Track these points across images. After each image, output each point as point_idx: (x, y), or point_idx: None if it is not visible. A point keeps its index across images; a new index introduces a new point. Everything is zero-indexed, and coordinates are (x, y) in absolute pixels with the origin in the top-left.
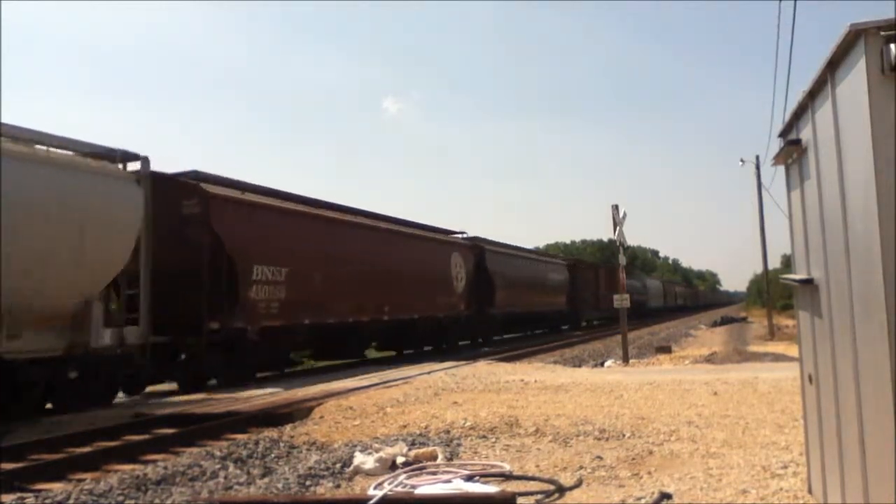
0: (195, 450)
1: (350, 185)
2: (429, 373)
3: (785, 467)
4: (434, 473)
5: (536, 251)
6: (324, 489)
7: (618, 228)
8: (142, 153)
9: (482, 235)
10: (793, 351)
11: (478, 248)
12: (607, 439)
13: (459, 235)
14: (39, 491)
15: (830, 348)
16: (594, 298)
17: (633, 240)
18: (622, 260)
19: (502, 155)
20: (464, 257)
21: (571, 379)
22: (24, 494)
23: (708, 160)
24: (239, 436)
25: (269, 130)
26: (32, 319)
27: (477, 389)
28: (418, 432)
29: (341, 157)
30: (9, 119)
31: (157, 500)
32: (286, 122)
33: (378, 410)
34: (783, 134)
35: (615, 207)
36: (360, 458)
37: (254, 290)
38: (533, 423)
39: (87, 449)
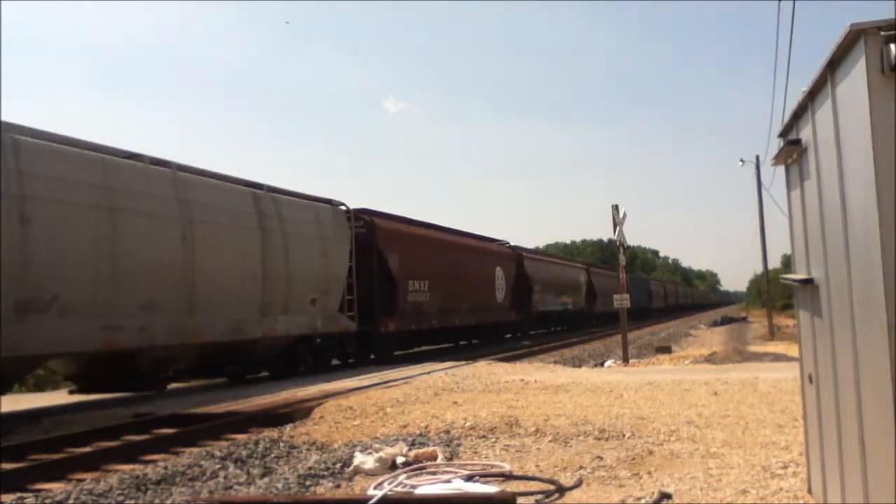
0: (195, 450)
1: (350, 186)
2: (429, 373)
3: (785, 467)
4: (434, 473)
5: None
6: (324, 489)
7: (618, 228)
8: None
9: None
10: (793, 351)
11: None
12: (607, 439)
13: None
14: (39, 491)
15: (830, 348)
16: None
17: (633, 240)
18: (622, 260)
19: (502, 154)
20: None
21: (571, 379)
22: (24, 494)
23: (708, 160)
24: (239, 436)
25: (269, 130)
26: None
27: (477, 389)
28: (418, 432)
29: (342, 158)
30: (8, 118)
31: (157, 500)
32: (286, 123)
33: (378, 410)
34: (783, 134)
35: (615, 207)
36: (360, 458)
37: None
38: (533, 423)
39: (87, 449)
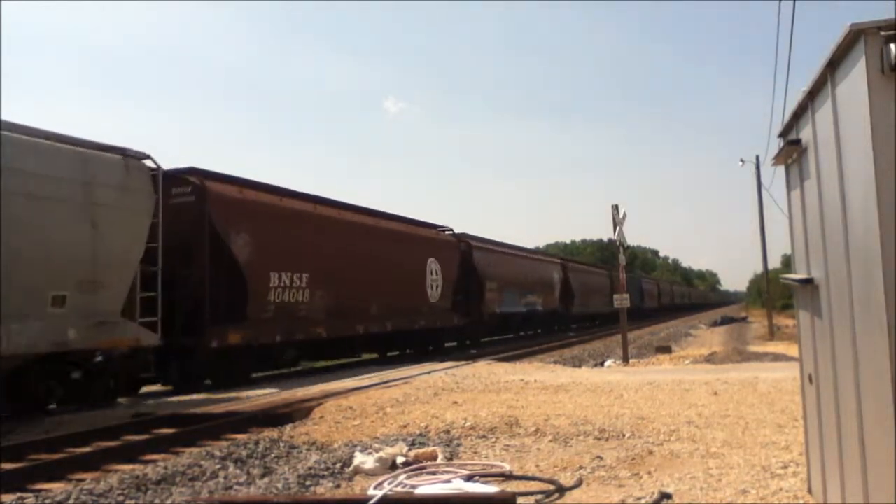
0: (195, 450)
1: (351, 186)
2: (429, 373)
3: (785, 467)
4: (434, 473)
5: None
6: (324, 489)
7: (618, 228)
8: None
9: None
10: (793, 351)
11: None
12: (607, 439)
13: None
14: (39, 491)
15: (830, 348)
16: None
17: (633, 240)
18: (622, 260)
19: (503, 154)
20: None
21: (571, 379)
22: (24, 494)
23: (708, 160)
24: (239, 436)
25: (269, 130)
26: None
27: (477, 389)
28: (418, 432)
29: (342, 158)
30: (9, 118)
31: (157, 500)
32: (286, 123)
33: (378, 410)
34: (783, 134)
35: (615, 207)
36: (360, 458)
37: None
38: (533, 423)
39: (87, 449)
